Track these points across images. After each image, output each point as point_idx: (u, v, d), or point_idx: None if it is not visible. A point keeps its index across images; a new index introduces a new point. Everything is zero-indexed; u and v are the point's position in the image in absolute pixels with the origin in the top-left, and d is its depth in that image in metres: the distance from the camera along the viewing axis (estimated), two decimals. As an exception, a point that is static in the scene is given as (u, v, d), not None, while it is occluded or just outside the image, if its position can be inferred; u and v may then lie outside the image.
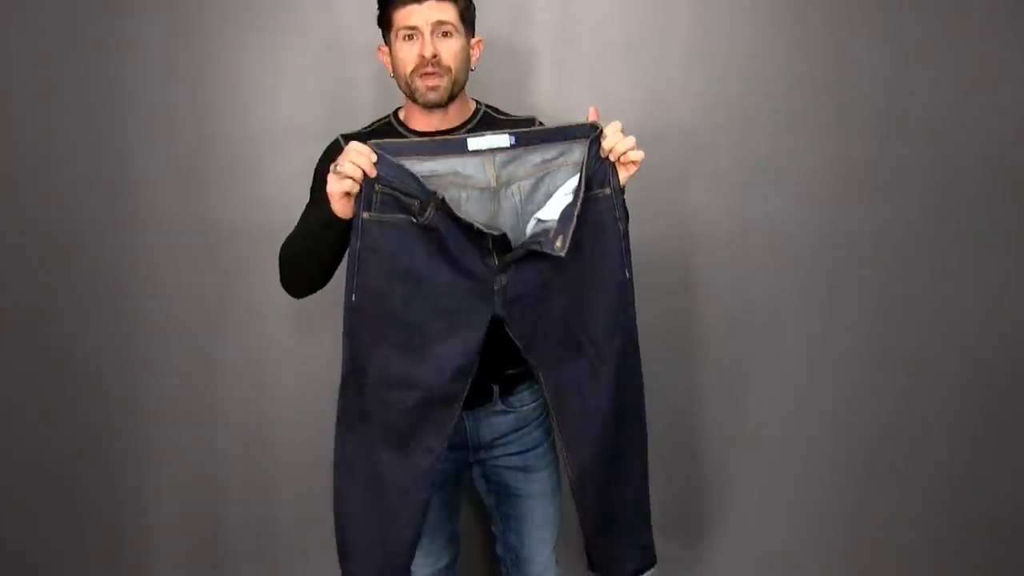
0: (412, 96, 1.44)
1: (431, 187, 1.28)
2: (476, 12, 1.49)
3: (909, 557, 2.06)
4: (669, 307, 1.95)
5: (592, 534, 1.46)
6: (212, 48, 1.85)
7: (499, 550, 1.65)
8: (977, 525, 2.06)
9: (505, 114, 1.55)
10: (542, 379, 1.39)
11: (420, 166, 1.29)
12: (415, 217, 1.28)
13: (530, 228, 1.35)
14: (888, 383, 2.01)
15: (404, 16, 1.40)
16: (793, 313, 1.98)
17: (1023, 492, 2.05)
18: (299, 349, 1.93)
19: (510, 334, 1.35)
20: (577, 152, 1.34)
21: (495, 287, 1.33)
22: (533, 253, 1.30)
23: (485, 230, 1.28)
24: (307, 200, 1.49)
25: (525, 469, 1.55)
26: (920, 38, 1.92)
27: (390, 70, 1.47)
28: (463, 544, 1.69)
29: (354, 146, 1.26)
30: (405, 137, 1.47)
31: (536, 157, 1.34)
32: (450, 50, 1.41)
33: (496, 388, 1.48)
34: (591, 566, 1.54)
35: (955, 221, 1.97)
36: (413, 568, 1.45)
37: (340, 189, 1.26)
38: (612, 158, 1.34)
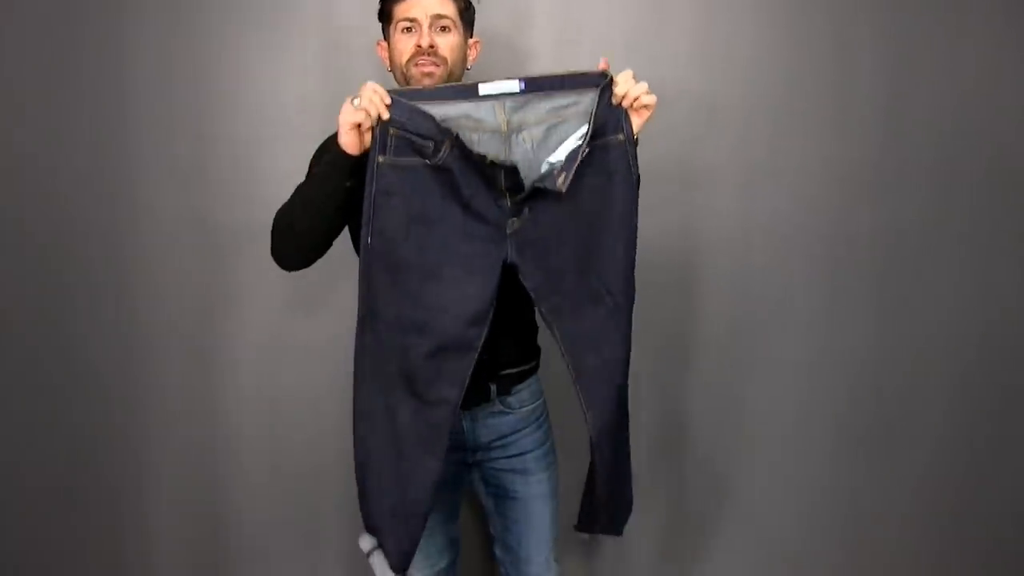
0: (407, 85, 1.44)
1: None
2: (476, 13, 1.49)
3: (909, 557, 2.07)
4: (669, 305, 1.95)
5: (602, 492, 1.46)
6: (212, 48, 1.85)
7: (497, 551, 1.65)
8: (977, 525, 2.06)
9: None
10: (557, 334, 1.38)
11: (432, 110, 1.29)
12: (429, 159, 1.28)
13: (543, 172, 1.34)
14: (887, 382, 2.02)
15: (404, 9, 1.41)
16: (793, 313, 1.99)
17: (1023, 492, 2.06)
18: (300, 350, 1.93)
19: (523, 282, 1.35)
20: (588, 101, 1.33)
21: (508, 231, 1.33)
22: (545, 198, 1.30)
23: (497, 161, 1.28)
24: None
25: (524, 472, 1.55)
26: (919, 39, 1.93)
27: (388, 65, 1.48)
28: (462, 545, 1.69)
29: (370, 85, 1.27)
30: None
31: (547, 104, 1.34)
32: (447, 43, 1.41)
33: (493, 387, 1.48)
34: (589, 527, 1.54)
35: (954, 222, 1.98)
36: (412, 570, 1.45)
37: (353, 119, 1.27)
38: (625, 104, 1.34)
